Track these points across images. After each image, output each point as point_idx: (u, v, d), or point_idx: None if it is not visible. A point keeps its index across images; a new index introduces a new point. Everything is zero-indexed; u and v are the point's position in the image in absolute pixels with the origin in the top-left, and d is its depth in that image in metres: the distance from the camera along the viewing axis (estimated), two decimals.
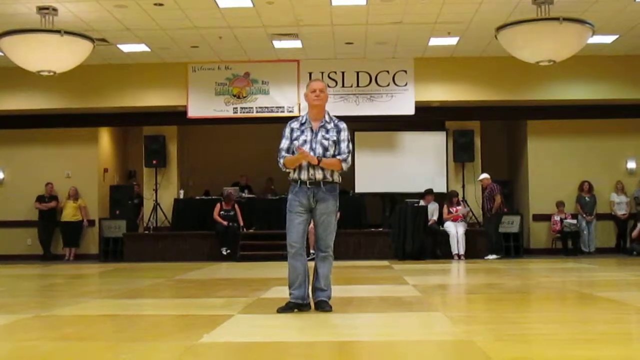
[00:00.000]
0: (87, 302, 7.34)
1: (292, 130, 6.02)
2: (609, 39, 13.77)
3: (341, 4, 11.82)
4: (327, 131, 5.96)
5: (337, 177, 5.98)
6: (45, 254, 16.04)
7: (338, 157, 5.90)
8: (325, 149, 5.90)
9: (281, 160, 5.97)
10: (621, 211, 15.68)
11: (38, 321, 5.88)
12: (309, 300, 5.99)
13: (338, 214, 6.11)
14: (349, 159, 5.95)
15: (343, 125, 6.04)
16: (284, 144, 5.99)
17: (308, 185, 5.89)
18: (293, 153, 5.90)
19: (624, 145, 16.02)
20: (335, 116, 6.13)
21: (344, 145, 5.94)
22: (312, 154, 5.85)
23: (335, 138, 5.94)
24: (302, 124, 6.03)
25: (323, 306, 5.92)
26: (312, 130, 5.97)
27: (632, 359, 4.10)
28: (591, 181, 15.71)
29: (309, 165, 5.86)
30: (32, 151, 16.50)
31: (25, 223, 16.21)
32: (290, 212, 5.95)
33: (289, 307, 5.89)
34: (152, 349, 4.49)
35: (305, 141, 5.92)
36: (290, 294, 5.94)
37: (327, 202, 5.92)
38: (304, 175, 5.89)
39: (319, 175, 5.88)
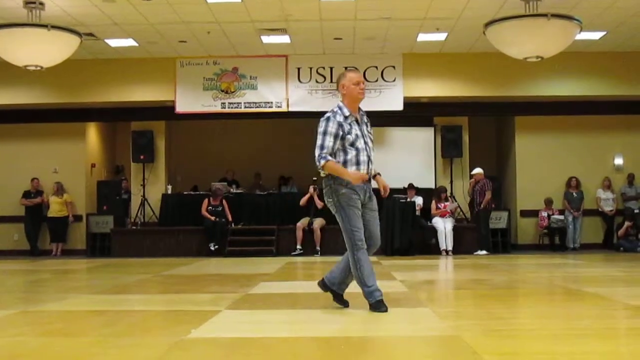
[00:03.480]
0: (74, 298, 7.31)
1: (340, 125, 5.57)
2: (596, 35, 13.82)
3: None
4: (367, 125, 5.77)
5: None
6: (32, 249, 15.97)
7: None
8: (372, 142, 5.77)
9: (322, 162, 5.54)
10: (608, 207, 15.76)
11: (24, 317, 5.86)
12: (342, 291, 5.96)
13: None
14: None
15: (367, 117, 5.87)
16: (330, 142, 5.54)
17: (365, 184, 5.64)
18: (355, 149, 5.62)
19: (611, 141, 16.08)
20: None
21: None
22: (367, 147, 5.64)
23: (372, 131, 5.82)
24: (346, 117, 5.62)
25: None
26: (358, 124, 5.67)
27: (618, 354, 4.12)
28: (579, 177, 15.77)
29: (369, 159, 5.65)
30: (18, 146, 16.41)
31: (12, 218, 16.13)
32: (352, 206, 5.60)
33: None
34: (139, 345, 4.48)
35: (357, 136, 5.60)
36: (373, 292, 5.70)
37: (374, 199, 5.77)
38: (364, 170, 5.59)
39: (373, 171, 5.78)
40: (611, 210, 15.74)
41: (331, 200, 5.69)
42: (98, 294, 7.68)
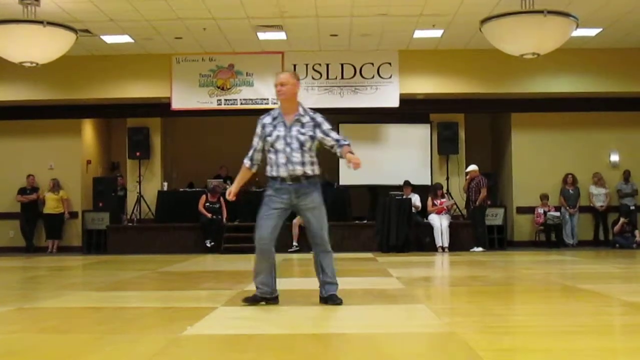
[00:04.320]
0: (70, 295, 7.30)
1: (264, 126, 5.87)
2: (592, 32, 13.83)
3: None
4: (303, 125, 5.80)
5: (317, 170, 5.85)
6: (28, 246, 15.96)
7: (344, 144, 5.81)
8: (302, 144, 5.75)
9: (246, 161, 6.00)
10: (599, 203, 15.77)
11: (20, 314, 5.85)
12: (277, 294, 5.93)
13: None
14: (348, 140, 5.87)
15: (320, 117, 5.89)
16: (254, 142, 5.91)
17: (289, 182, 5.77)
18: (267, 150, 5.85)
19: (607, 138, 16.11)
20: (312, 109, 6.02)
21: (334, 134, 5.86)
22: (287, 149, 5.73)
23: (312, 133, 5.79)
24: (274, 119, 5.87)
25: (334, 299, 5.86)
26: (285, 125, 5.80)
27: (614, 351, 4.12)
28: (575, 174, 15.79)
29: (288, 161, 5.73)
30: (14, 143, 16.38)
31: (8, 215, 16.11)
32: (268, 206, 5.81)
33: (256, 299, 5.84)
34: (135, 342, 4.47)
35: (278, 137, 5.76)
36: (257, 287, 5.84)
37: (311, 195, 5.79)
38: (283, 172, 5.75)
39: (299, 170, 5.74)
40: (602, 206, 15.75)
41: None
42: (94, 291, 7.66)
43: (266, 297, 5.85)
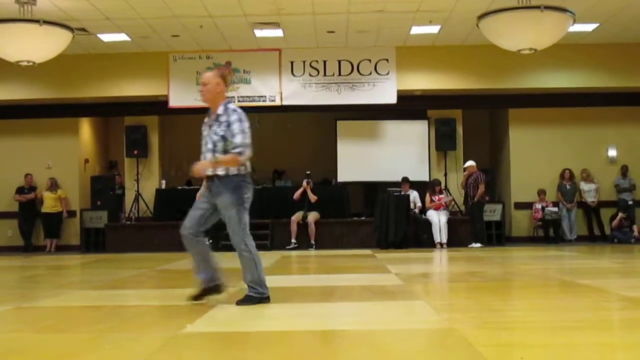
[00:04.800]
0: (68, 294, 7.30)
1: (203, 125, 5.92)
2: (589, 27, 13.83)
3: None
4: (220, 125, 5.74)
5: (233, 170, 5.71)
6: (26, 245, 15.95)
7: (232, 151, 5.64)
8: (214, 144, 5.71)
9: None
10: (590, 199, 15.77)
11: (19, 313, 5.85)
12: (219, 282, 5.92)
13: (242, 208, 5.82)
14: (247, 150, 5.67)
15: (235, 116, 5.73)
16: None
17: (206, 181, 5.82)
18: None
19: (605, 133, 16.12)
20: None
21: (238, 138, 5.65)
22: (204, 149, 5.80)
23: (223, 133, 5.69)
24: (208, 118, 5.90)
25: (241, 300, 5.82)
26: (209, 125, 5.83)
27: (613, 346, 4.13)
28: (572, 169, 15.79)
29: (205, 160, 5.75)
30: (12, 142, 16.36)
31: (6, 214, 16.10)
32: (197, 200, 5.96)
33: (200, 294, 5.87)
34: (134, 340, 4.47)
35: (204, 137, 5.86)
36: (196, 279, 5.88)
37: (221, 196, 5.73)
38: None
39: (209, 171, 5.75)
40: (593, 202, 15.76)
41: None
42: (93, 290, 7.66)
43: (209, 288, 5.84)
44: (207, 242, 5.99)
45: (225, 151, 5.67)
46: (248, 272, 5.87)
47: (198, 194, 5.98)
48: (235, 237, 5.84)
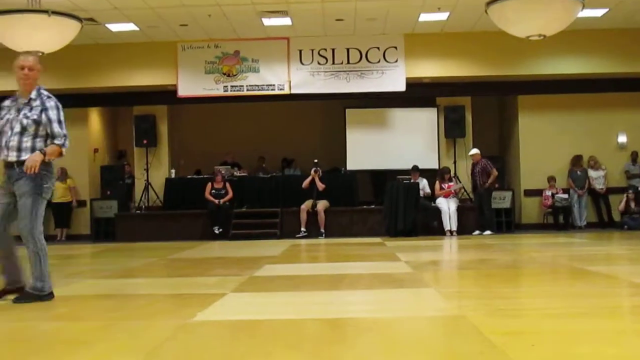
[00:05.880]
0: (80, 283, 7.35)
1: (1, 108, 5.65)
2: (598, 12, 13.75)
3: None
4: (32, 109, 5.53)
5: None
6: None
7: (55, 142, 5.49)
8: (24, 128, 5.47)
9: None
10: (599, 186, 15.72)
11: (31, 302, 5.87)
12: (21, 285, 5.73)
13: (39, 198, 5.56)
14: (67, 141, 5.56)
15: (51, 103, 5.61)
16: None
17: (6, 168, 5.52)
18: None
19: (615, 119, 16.04)
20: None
21: (56, 128, 5.52)
22: (9, 133, 5.49)
23: (36, 117, 5.50)
24: (12, 101, 5.65)
25: (18, 297, 5.63)
26: (18, 109, 5.57)
27: (623, 333, 4.12)
28: (582, 155, 15.74)
29: (6, 144, 5.48)
30: None
31: None
32: None
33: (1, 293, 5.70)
34: (145, 328, 4.49)
35: (7, 120, 5.54)
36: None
37: (19, 182, 5.46)
38: (4, 154, 5.53)
39: (12, 156, 5.49)
40: (602, 189, 15.71)
41: None
42: (104, 279, 7.71)
43: (9, 290, 5.69)
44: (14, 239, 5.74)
45: (36, 135, 5.49)
46: (31, 266, 5.65)
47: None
48: (24, 227, 5.59)
